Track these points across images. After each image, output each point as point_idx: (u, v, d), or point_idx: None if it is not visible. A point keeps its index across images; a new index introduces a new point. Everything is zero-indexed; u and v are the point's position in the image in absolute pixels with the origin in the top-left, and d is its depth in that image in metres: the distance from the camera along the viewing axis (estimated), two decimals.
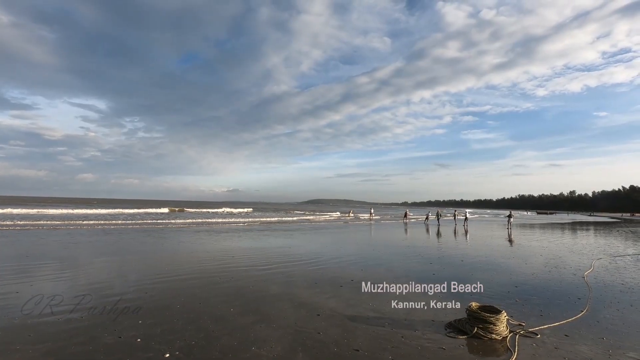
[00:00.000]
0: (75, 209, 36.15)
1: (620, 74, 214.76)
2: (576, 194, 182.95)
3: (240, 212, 43.54)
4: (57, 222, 20.06)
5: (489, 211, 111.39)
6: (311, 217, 36.35)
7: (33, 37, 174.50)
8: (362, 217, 39.25)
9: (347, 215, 43.77)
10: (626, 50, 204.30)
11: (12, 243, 11.54)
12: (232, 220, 28.14)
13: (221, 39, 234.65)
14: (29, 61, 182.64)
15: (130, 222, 22.37)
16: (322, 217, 37.26)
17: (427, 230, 22.35)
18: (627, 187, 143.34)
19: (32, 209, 33.19)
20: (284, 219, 32.28)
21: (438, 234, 19.77)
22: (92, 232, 15.42)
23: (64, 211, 31.92)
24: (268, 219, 30.52)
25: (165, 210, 40.11)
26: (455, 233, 20.43)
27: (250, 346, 3.74)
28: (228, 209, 49.33)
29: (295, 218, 33.74)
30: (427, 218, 31.76)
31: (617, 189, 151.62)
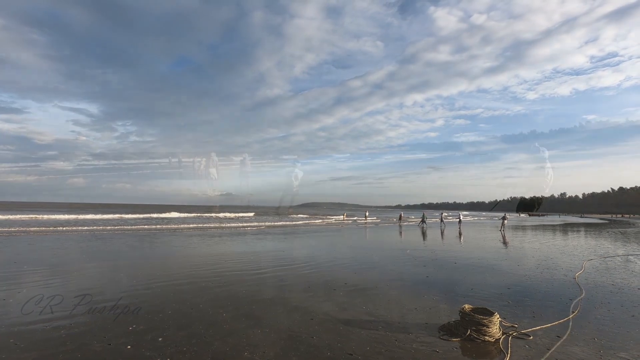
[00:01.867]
0: (66, 214, 35.56)
1: (608, 78, 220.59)
2: (567, 196, 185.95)
3: (239, 217, 43.31)
4: (47, 228, 19.70)
5: (484, 213, 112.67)
6: (317, 221, 36.50)
7: (23, 40, 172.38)
8: (359, 220, 39.60)
9: (343, 217, 44.35)
10: (613, 55, 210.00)
11: (0, 249, 11.29)
12: (236, 224, 27.93)
13: (214, 43, 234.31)
14: (19, 64, 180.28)
15: (126, 226, 22.07)
16: (327, 221, 37.65)
17: (422, 233, 22.49)
18: (616, 188, 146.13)
19: (22, 214, 32.57)
20: (288, 222, 32.65)
21: (425, 235, 20.21)
22: (82, 237, 15.17)
23: (55, 216, 31.36)
24: (273, 223, 30.76)
25: (170, 214, 39.53)
26: (442, 234, 21.13)
27: (243, 351, 3.70)
28: (229, 214, 48.91)
29: (300, 222, 33.83)
30: (422, 220, 32.03)
31: (606, 191, 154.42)
